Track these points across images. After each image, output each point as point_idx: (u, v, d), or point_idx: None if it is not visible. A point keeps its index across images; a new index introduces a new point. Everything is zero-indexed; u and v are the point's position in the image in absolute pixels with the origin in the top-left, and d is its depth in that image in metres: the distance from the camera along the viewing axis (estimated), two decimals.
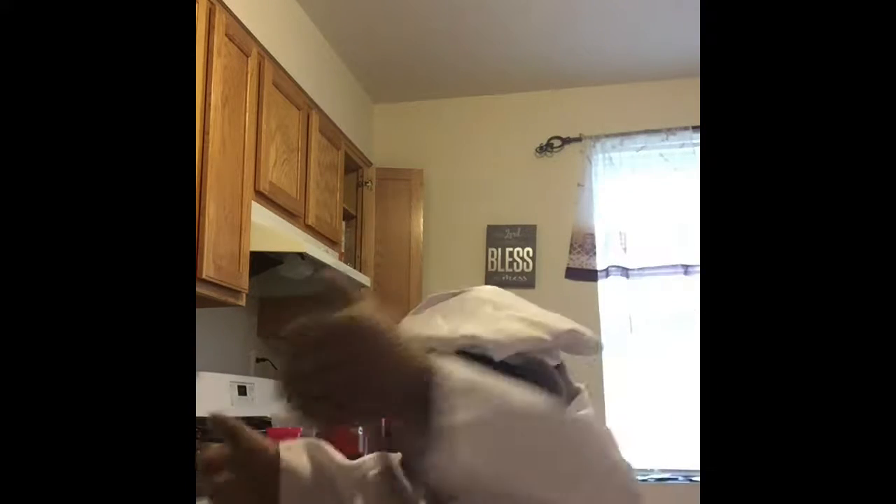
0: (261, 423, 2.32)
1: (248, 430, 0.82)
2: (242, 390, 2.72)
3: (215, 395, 2.52)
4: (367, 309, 0.54)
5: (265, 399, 2.82)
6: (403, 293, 3.52)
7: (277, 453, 0.82)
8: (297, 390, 0.53)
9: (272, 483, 0.80)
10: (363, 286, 3.16)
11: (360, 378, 0.52)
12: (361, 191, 3.61)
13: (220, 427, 0.81)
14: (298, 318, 0.54)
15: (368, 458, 0.91)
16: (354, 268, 3.31)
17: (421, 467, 0.56)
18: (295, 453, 0.83)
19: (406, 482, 0.82)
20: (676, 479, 3.10)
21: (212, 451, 0.80)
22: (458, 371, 0.55)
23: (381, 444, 0.61)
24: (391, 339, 0.54)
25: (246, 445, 0.80)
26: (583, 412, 0.64)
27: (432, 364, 0.55)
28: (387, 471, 0.85)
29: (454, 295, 0.76)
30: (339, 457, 0.88)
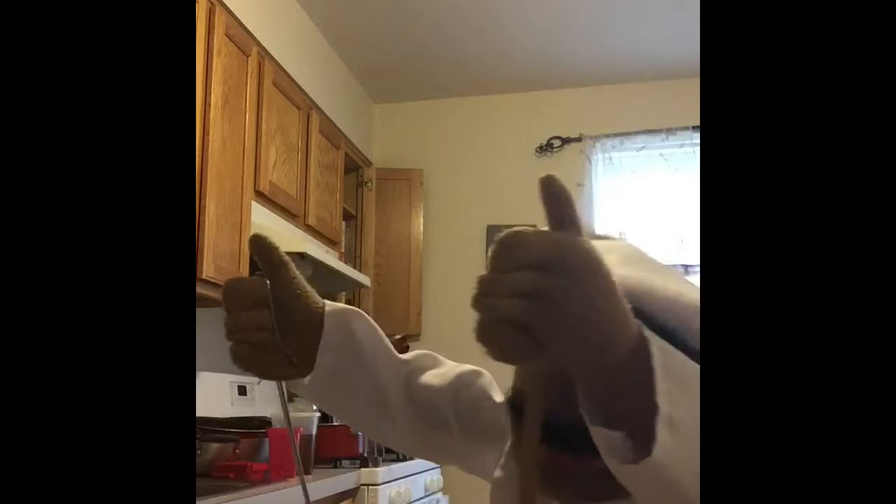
0: (261, 424, 2.32)
1: (293, 268, 0.70)
2: (242, 390, 2.72)
3: (215, 394, 2.52)
4: (581, 234, 0.44)
5: (265, 399, 2.82)
6: (403, 293, 3.52)
7: (322, 308, 0.72)
8: (489, 308, 0.43)
9: (311, 337, 0.71)
10: (363, 286, 3.16)
11: (570, 313, 0.42)
12: (361, 191, 3.61)
13: (265, 257, 0.69)
14: (518, 228, 0.44)
15: (417, 357, 0.81)
16: (354, 268, 3.31)
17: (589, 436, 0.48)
18: (339, 318, 0.73)
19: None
20: None
21: (251, 281, 0.69)
22: (673, 350, 0.47)
23: (551, 394, 0.50)
24: (612, 282, 0.44)
25: (289, 285, 0.69)
26: None
27: (647, 332, 0.46)
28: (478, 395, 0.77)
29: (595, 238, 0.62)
30: (385, 339, 0.78)
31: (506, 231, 0.44)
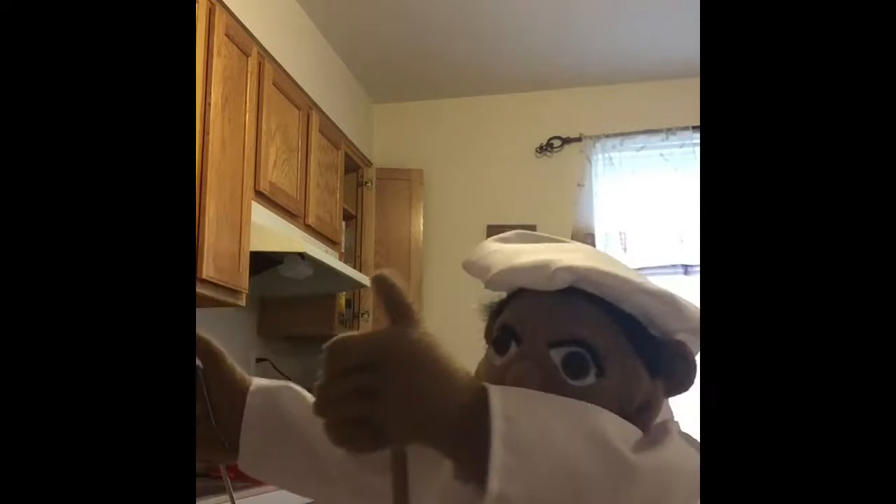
0: None
1: (228, 358, 0.78)
2: None
3: None
4: (415, 324, 0.49)
5: None
6: None
7: (247, 389, 0.78)
8: (331, 413, 0.49)
9: (237, 419, 0.76)
10: (363, 286, 3.16)
11: (401, 404, 0.48)
12: (361, 191, 3.61)
13: (199, 347, 0.77)
14: (342, 334, 0.50)
15: None
16: (354, 268, 3.31)
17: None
18: (262, 396, 0.79)
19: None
20: None
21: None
22: (514, 411, 0.49)
23: (403, 471, 0.55)
24: (440, 363, 0.49)
25: (218, 374, 0.76)
26: (670, 453, 0.56)
27: (487, 399, 0.49)
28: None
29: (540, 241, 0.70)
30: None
31: (331, 340, 0.49)
